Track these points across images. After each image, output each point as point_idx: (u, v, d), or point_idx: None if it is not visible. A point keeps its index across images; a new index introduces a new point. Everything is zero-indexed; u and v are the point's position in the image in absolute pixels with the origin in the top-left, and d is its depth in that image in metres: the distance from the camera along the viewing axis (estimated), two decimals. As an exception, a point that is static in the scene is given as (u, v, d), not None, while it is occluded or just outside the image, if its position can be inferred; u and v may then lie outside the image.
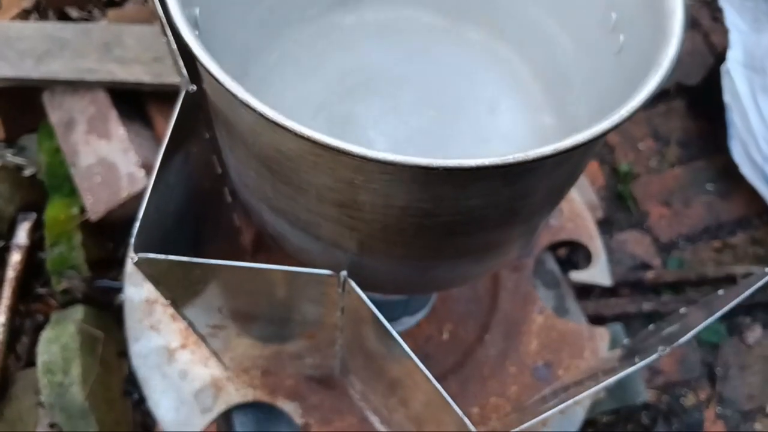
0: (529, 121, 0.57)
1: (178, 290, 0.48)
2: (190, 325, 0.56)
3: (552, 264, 0.91)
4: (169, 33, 0.40)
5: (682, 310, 0.58)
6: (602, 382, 0.46)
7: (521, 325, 0.79)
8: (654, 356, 0.43)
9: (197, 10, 0.43)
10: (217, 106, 0.40)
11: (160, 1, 0.39)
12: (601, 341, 0.80)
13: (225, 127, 0.41)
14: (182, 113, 0.44)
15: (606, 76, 0.48)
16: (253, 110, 0.31)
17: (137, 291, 0.80)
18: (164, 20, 0.40)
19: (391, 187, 0.35)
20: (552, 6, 0.55)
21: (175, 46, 0.41)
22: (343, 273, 0.43)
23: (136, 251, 0.40)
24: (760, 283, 0.48)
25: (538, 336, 0.80)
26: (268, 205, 0.46)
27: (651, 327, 0.64)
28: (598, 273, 0.93)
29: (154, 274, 0.44)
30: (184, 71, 0.43)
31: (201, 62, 0.34)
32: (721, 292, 0.52)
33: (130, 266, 0.81)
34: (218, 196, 0.62)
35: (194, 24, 0.42)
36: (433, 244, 0.43)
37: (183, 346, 0.81)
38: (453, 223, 0.40)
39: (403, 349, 0.42)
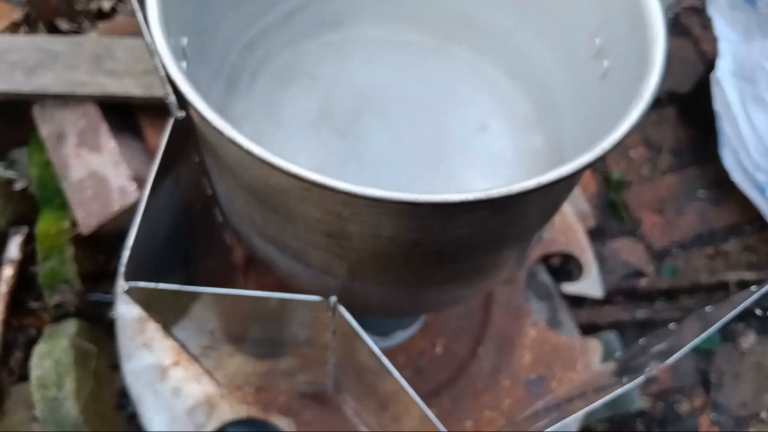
0: (518, 140, 0.58)
1: (169, 315, 0.48)
2: (182, 346, 0.56)
3: (544, 276, 0.91)
4: (156, 61, 0.40)
5: (671, 326, 0.58)
6: (592, 402, 0.46)
7: (514, 339, 0.79)
8: (641, 378, 0.44)
9: (185, 40, 0.43)
10: (205, 137, 0.40)
11: (147, 30, 0.39)
12: (594, 354, 0.81)
13: (213, 157, 0.41)
14: (171, 138, 0.44)
15: (591, 99, 0.48)
16: (240, 147, 0.31)
17: (129, 309, 0.80)
18: (152, 48, 0.40)
19: (379, 219, 0.35)
20: (538, 30, 0.55)
21: (163, 74, 0.41)
22: (333, 299, 0.43)
23: (127, 279, 0.40)
24: (747, 303, 0.49)
25: (531, 349, 0.80)
26: (258, 233, 0.46)
27: (642, 341, 0.64)
28: (589, 285, 0.93)
29: (145, 300, 0.44)
30: (173, 98, 0.43)
31: (187, 98, 0.34)
32: (709, 308, 0.53)
33: (121, 287, 0.80)
34: (209, 215, 0.62)
35: (182, 54, 0.42)
36: (422, 271, 0.43)
37: (176, 363, 0.81)
38: (441, 251, 0.40)
39: (392, 374, 0.42)
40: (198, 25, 0.45)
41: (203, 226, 0.63)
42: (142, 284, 0.40)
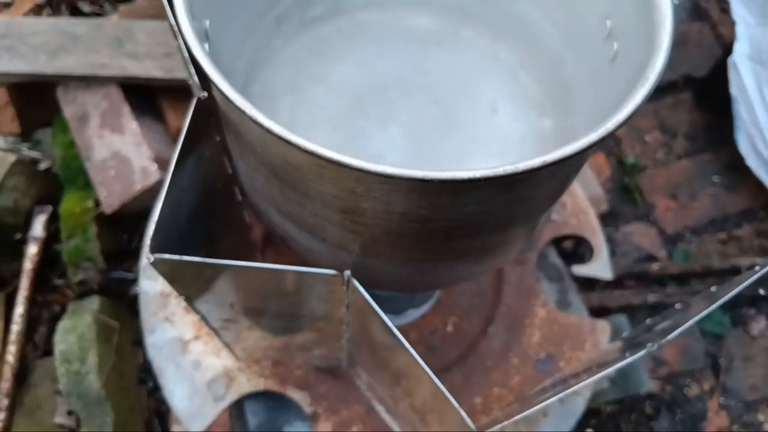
0: (528, 123, 0.59)
1: (192, 287, 0.50)
2: (203, 319, 0.58)
3: (555, 258, 0.93)
4: (180, 42, 0.42)
5: (678, 305, 0.59)
6: (597, 374, 0.48)
7: (524, 318, 0.81)
8: (643, 352, 0.45)
9: (207, 23, 0.45)
10: (227, 116, 0.42)
11: (171, 13, 0.41)
12: (602, 334, 0.82)
13: (235, 136, 0.43)
14: (194, 119, 0.46)
15: (602, 81, 0.49)
16: (261, 125, 0.33)
17: (152, 284, 0.83)
18: (176, 30, 0.42)
19: (391, 196, 0.37)
20: (549, 12, 0.56)
21: (186, 55, 0.43)
22: (347, 273, 0.45)
23: (152, 252, 0.42)
24: (752, 279, 0.50)
25: (540, 329, 0.82)
26: (276, 209, 0.48)
27: (648, 321, 0.65)
28: (600, 267, 0.95)
29: (169, 272, 0.46)
30: (196, 79, 0.45)
31: (211, 79, 0.36)
32: (713, 288, 0.54)
33: (145, 262, 0.83)
34: (229, 194, 0.64)
35: (204, 36, 0.44)
36: (433, 247, 0.45)
37: (196, 338, 0.83)
38: (451, 228, 0.42)
39: (405, 347, 0.44)
40: (220, 8, 0.47)
41: (223, 204, 0.65)
42: (167, 256, 0.42)
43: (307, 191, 0.41)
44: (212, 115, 0.50)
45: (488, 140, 0.57)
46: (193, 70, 0.45)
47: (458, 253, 0.47)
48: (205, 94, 0.47)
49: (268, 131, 0.33)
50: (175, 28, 0.40)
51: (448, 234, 0.43)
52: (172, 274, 0.46)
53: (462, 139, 0.57)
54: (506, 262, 0.78)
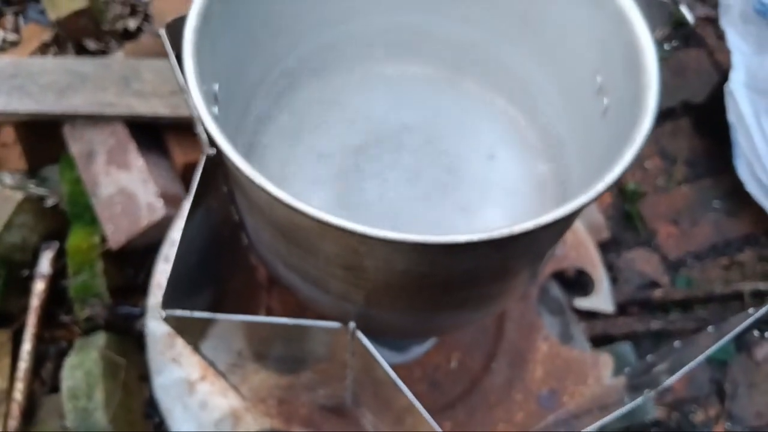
0: (525, 168, 0.61)
1: (200, 338, 0.51)
2: (210, 363, 0.59)
3: (556, 291, 0.94)
4: (190, 102, 0.44)
5: (676, 343, 0.60)
6: (598, 419, 0.49)
7: (527, 354, 0.81)
8: (638, 400, 0.46)
9: (216, 86, 0.47)
10: (236, 178, 0.44)
11: (183, 80, 0.43)
12: (605, 368, 0.83)
13: (243, 195, 0.45)
14: (204, 175, 0.48)
15: (594, 134, 0.51)
16: (269, 193, 0.35)
17: (159, 325, 0.84)
18: (187, 96, 0.44)
19: (392, 256, 0.38)
20: (542, 65, 0.58)
21: (196, 114, 0.45)
22: (352, 325, 0.46)
23: (165, 308, 0.43)
24: (748, 321, 0.51)
25: (543, 364, 0.83)
26: (282, 261, 0.49)
27: (650, 357, 0.66)
28: (601, 300, 0.96)
29: (179, 325, 0.47)
30: (205, 137, 0.47)
31: (219, 146, 0.37)
32: (710, 328, 0.55)
33: (152, 300, 0.84)
34: (235, 238, 0.65)
35: (213, 99, 0.46)
36: (433, 298, 0.46)
37: (203, 378, 0.84)
38: (450, 281, 0.43)
39: (405, 394, 0.45)
40: (228, 70, 0.49)
41: (230, 247, 0.66)
42: (179, 313, 0.43)
43: (311, 249, 0.42)
44: (220, 167, 0.52)
45: (487, 186, 0.59)
46: (202, 128, 0.47)
47: (458, 302, 0.48)
48: (214, 151, 0.48)
49: (276, 199, 0.35)
50: (186, 94, 0.42)
51: (448, 286, 0.44)
52: (181, 326, 0.47)
53: (461, 187, 0.59)
54: (508, 305, 0.79)
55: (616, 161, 0.39)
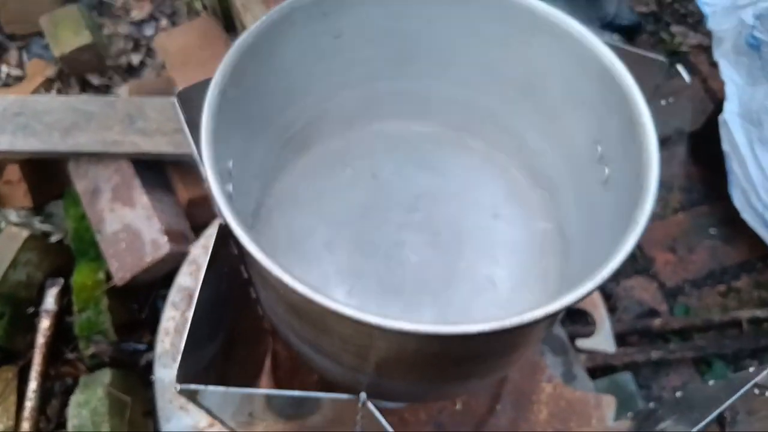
0: (529, 226, 0.62)
1: (213, 405, 0.52)
2: (221, 422, 0.61)
3: (559, 330, 0.95)
4: (206, 182, 0.45)
5: (678, 394, 0.62)
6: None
7: (531, 395, 0.83)
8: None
9: (231, 163, 0.48)
10: (251, 260, 0.45)
11: (199, 162, 0.44)
12: (608, 409, 0.84)
13: (257, 272, 0.46)
14: (217, 244, 0.49)
15: (595, 199, 0.52)
16: (285, 284, 0.36)
17: (167, 372, 0.85)
18: (204, 179, 0.45)
19: (405, 339, 0.40)
20: (544, 130, 0.59)
21: (211, 192, 0.46)
22: (363, 396, 0.47)
23: (179, 381, 0.45)
24: (749, 384, 0.52)
25: (547, 405, 0.84)
26: (294, 334, 0.51)
27: (651, 405, 0.67)
28: (602, 341, 0.97)
29: (192, 395, 0.48)
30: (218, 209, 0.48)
31: (236, 236, 0.39)
32: (711, 382, 0.56)
33: (160, 348, 0.85)
34: (245, 293, 0.66)
35: (228, 175, 0.47)
36: (443, 372, 0.48)
37: (211, 425, 0.85)
38: (460, 359, 0.44)
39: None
40: (240, 146, 0.51)
41: (239, 299, 0.68)
42: (193, 387, 0.44)
43: (325, 329, 0.43)
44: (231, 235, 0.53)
45: (492, 245, 0.61)
46: (218, 213, 0.48)
47: (467, 374, 0.50)
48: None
49: (293, 290, 0.36)
50: (205, 179, 0.43)
51: (457, 363, 0.46)
52: (195, 395, 0.49)
53: (467, 246, 0.60)
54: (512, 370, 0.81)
55: (619, 247, 0.40)
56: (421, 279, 0.58)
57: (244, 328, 0.77)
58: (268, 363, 0.76)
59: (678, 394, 0.63)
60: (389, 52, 0.59)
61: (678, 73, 1.58)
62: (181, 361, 0.44)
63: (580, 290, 0.38)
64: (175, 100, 0.58)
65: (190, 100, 0.55)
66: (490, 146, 0.66)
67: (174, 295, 0.85)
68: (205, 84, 0.52)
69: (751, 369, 0.54)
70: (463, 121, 0.65)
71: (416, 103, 0.65)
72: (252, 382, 0.76)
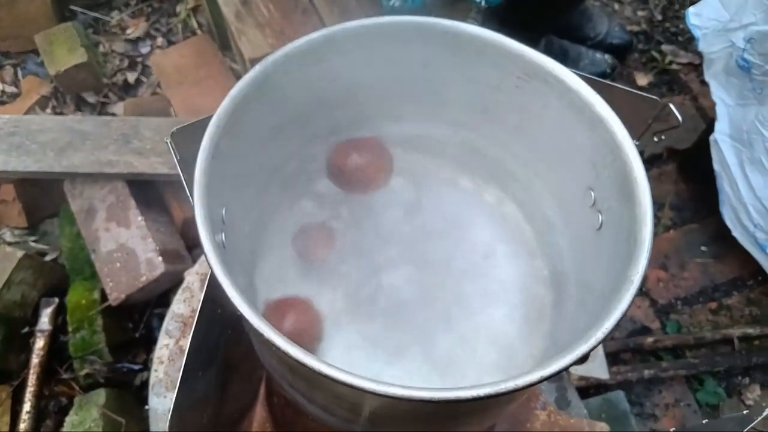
0: (521, 265, 0.63)
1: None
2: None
3: (552, 355, 0.96)
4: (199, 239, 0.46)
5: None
6: None
7: (525, 423, 0.83)
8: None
9: (223, 210, 0.49)
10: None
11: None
12: (601, 436, 0.85)
13: (251, 329, 0.47)
14: (209, 287, 0.50)
15: (589, 243, 0.53)
16: (277, 347, 0.37)
17: (161, 401, 0.85)
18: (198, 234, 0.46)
19: (399, 402, 0.40)
20: (538, 171, 0.60)
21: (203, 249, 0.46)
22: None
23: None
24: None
25: (541, 432, 0.84)
26: (288, 384, 0.51)
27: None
28: (596, 368, 0.98)
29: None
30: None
31: (232, 300, 0.39)
32: (705, 421, 0.57)
33: (154, 378, 0.86)
34: (239, 327, 0.67)
35: (221, 223, 0.48)
36: (437, 424, 0.48)
37: (205, 453, 0.86)
38: (454, 414, 0.45)
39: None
40: (232, 193, 0.51)
41: (233, 330, 0.68)
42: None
43: (317, 385, 0.44)
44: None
45: (485, 285, 0.61)
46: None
47: (461, 424, 0.50)
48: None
49: (285, 353, 0.37)
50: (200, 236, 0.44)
51: (452, 417, 0.46)
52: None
53: (462, 285, 0.61)
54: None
55: (616, 304, 0.41)
56: (411, 320, 0.59)
57: (238, 358, 0.77)
58: (262, 391, 0.76)
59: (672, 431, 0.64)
60: (384, 94, 0.60)
61: (668, 92, 1.60)
62: (172, 414, 0.45)
63: (572, 355, 0.39)
64: (168, 140, 0.59)
65: (184, 140, 0.56)
66: (484, 184, 0.67)
67: (168, 322, 0.85)
68: (197, 125, 0.52)
69: (745, 412, 0.55)
70: (458, 158, 0.66)
71: (410, 141, 0.65)
72: (247, 410, 0.76)
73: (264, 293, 0.59)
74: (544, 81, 0.53)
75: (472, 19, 1.03)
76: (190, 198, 0.49)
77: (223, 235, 0.48)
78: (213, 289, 0.52)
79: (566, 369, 0.38)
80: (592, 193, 0.53)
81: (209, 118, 0.54)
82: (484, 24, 0.71)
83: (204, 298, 0.50)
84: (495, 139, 0.62)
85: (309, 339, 0.56)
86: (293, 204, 0.64)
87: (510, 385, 0.37)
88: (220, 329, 0.61)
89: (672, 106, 0.65)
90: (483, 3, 0.82)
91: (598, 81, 0.57)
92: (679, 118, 0.63)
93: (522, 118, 0.58)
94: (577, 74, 0.54)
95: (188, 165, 0.54)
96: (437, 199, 0.65)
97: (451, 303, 0.60)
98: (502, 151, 0.63)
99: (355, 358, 0.56)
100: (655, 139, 0.66)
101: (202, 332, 0.53)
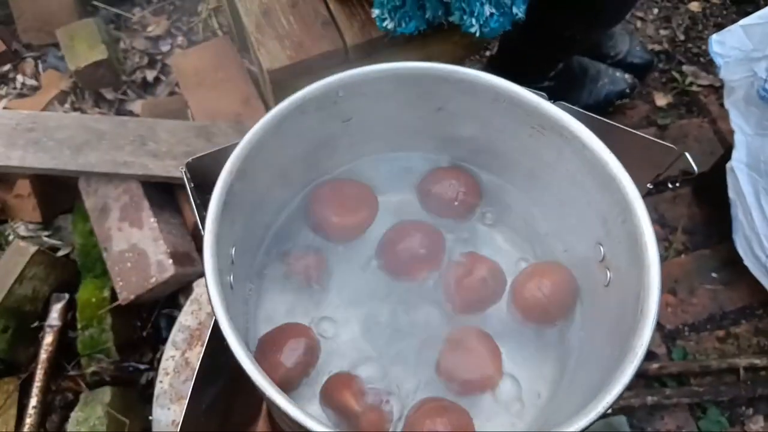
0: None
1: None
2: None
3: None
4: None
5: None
6: None
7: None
8: None
9: (233, 250, 0.49)
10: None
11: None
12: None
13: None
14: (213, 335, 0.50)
15: (597, 299, 0.53)
16: (279, 408, 0.37)
17: (164, 413, 0.87)
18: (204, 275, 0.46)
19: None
20: (548, 218, 0.60)
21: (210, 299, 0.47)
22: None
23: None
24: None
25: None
26: (287, 426, 0.52)
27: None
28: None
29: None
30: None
31: (235, 354, 0.40)
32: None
33: (158, 389, 0.87)
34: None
35: (230, 263, 0.48)
36: None
37: (207, 466, 0.87)
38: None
39: None
40: (242, 232, 0.52)
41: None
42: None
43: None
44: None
45: (495, 334, 0.60)
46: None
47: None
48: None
49: (286, 413, 0.37)
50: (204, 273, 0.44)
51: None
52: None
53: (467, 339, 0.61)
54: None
55: (619, 375, 0.41)
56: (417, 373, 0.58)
57: (242, 376, 0.78)
58: (264, 406, 0.77)
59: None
60: (397, 134, 0.60)
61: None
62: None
63: (576, 425, 0.39)
64: (183, 170, 0.59)
65: (197, 170, 0.56)
66: (491, 227, 0.66)
67: (175, 334, 0.86)
68: (211, 156, 0.53)
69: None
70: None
71: (411, 176, 0.65)
72: (250, 426, 0.77)
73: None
74: (559, 134, 0.53)
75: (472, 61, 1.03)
76: (201, 229, 0.50)
77: (231, 276, 0.49)
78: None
79: None
80: (602, 249, 0.53)
81: (224, 149, 0.54)
82: (487, 69, 0.70)
83: (214, 321, 0.50)
84: (505, 179, 0.61)
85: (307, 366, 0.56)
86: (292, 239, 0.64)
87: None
88: (224, 359, 0.62)
89: (688, 156, 0.64)
90: (477, 33, 0.82)
91: (616, 126, 0.57)
92: (695, 168, 0.63)
93: (535, 166, 0.58)
94: (596, 118, 0.54)
95: (201, 191, 0.55)
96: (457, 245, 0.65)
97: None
98: (513, 192, 0.63)
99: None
100: (670, 185, 0.65)
101: (212, 349, 0.54)
